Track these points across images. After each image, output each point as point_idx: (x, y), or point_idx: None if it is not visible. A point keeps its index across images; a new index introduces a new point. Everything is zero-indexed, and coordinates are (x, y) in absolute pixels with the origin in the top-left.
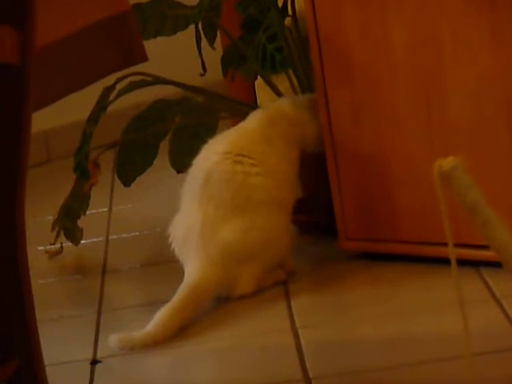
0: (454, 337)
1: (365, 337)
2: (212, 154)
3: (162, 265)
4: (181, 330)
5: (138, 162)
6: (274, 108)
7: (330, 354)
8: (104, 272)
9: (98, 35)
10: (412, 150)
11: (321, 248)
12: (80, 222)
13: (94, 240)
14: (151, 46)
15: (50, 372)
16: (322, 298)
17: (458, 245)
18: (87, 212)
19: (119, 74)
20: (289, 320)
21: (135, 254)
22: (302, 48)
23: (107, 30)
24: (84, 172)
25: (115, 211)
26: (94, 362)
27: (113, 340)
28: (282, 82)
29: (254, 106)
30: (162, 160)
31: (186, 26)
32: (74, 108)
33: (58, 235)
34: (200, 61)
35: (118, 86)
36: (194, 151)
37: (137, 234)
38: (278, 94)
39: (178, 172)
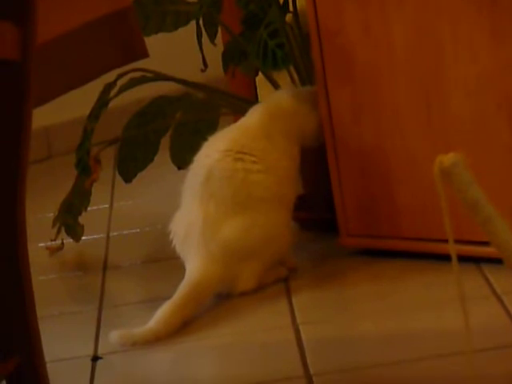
0: (454, 333)
1: (365, 333)
2: (213, 151)
3: (163, 261)
4: (182, 327)
5: (138, 159)
6: (274, 103)
7: (330, 350)
8: (105, 268)
9: (98, 31)
10: (412, 147)
11: (321, 245)
12: (81, 219)
13: (95, 236)
14: (152, 42)
15: (51, 368)
16: (323, 295)
17: (458, 241)
18: (88, 208)
19: (120, 71)
20: (290, 316)
21: (136, 251)
22: (303, 44)
23: (108, 27)
24: (85, 168)
25: (116, 207)
26: (95, 358)
27: (114, 336)
28: (282, 78)
29: (254, 102)
30: (163, 156)
31: (186, 22)
32: (75, 104)
33: (58, 231)
34: (201, 57)
35: (119, 83)
36: (194, 147)
37: (138, 230)
38: None
39: (179, 168)
